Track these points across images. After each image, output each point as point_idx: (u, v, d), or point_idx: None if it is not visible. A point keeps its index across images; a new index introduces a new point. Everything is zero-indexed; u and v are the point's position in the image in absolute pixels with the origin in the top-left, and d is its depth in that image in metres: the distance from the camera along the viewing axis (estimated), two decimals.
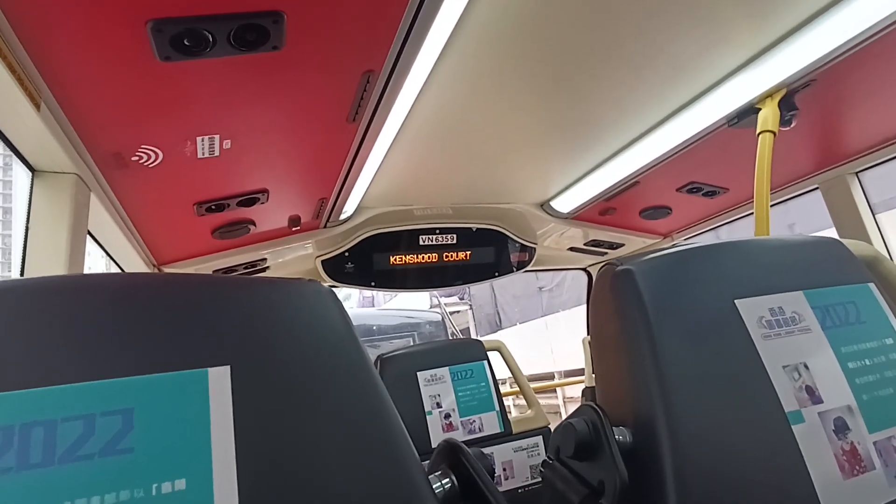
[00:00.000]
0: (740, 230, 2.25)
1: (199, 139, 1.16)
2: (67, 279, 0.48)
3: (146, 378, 0.43)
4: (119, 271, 1.68)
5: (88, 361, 0.42)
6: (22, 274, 1.02)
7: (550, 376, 9.18)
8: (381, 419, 0.51)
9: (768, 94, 1.31)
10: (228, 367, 0.46)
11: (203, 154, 1.22)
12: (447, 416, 1.84)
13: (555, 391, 8.45)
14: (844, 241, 0.77)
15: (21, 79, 0.81)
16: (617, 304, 0.66)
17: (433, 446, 0.65)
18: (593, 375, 0.77)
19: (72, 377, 0.41)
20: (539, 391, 7.26)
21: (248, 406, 0.45)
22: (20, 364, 0.40)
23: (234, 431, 0.43)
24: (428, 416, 1.82)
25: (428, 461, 0.64)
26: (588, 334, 2.60)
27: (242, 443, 0.43)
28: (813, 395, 0.61)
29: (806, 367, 0.62)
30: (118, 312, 0.46)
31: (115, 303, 0.46)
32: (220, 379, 0.45)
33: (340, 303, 0.56)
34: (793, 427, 0.58)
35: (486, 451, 1.85)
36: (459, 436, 1.83)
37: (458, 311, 12.71)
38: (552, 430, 1.84)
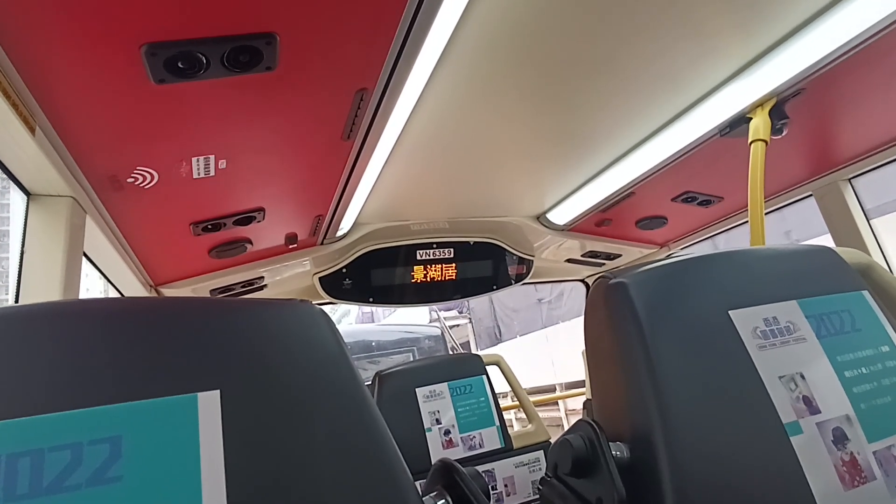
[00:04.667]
0: (738, 238, 2.26)
1: (194, 160, 1.17)
2: (55, 306, 0.48)
3: (135, 404, 0.42)
4: (116, 293, 1.68)
5: (76, 389, 0.42)
6: (17, 297, 1.02)
7: (552, 388, 9.12)
8: (374, 439, 0.50)
9: (759, 104, 1.32)
10: (218, 392, 0.45)
11: (198, 174, 1.23)
12: (447, 432, 1.83)
13: (557, 403, 8.38)
14: (837, 248, 0.77)
15: (16, 103, 0.82)
16: (611, 317, 0.66)
17: (433, 463, 0.64)
18: None
19: (59, 405, 0.40)
20: (540, 404, 7.20)
21: (239, 429, 0.44)
22: (7, 393, 0.40)
23: (224, 456, 0.43)
24: (427, 433, 1.80)
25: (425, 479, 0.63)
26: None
27: (232, 467, 0.42)
28: (810, 406, 0.60)
29: (802, 377, 0.62)
30: (107, 338, 0.45)
31: (103, 329, 0.46)
32: (209, 403, 0.44)
33: (332, 322, 0.56)
34: (791, 438, 0.58)
35: (487, 466, 1.83)
36: (459, 452, 1.81)
37: (457, 325, 12.66)
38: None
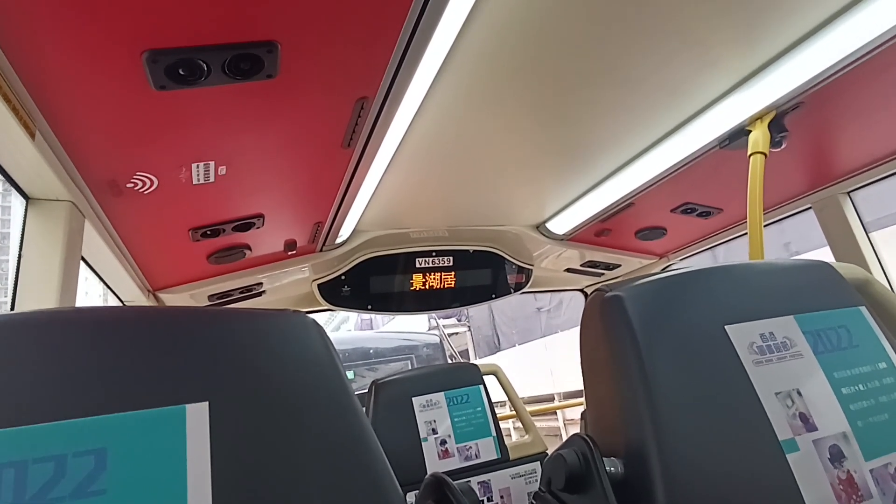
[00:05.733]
0: (737, 249, 2.26)
1: (194, 165, 1.17)
2: (42, 314, 0.47)
3: (121, 416, 0.42)
4: (114, 298, 1.67)
5: (61, 399, 0.41)
6: (13, 300, 1.02)
7: (550, 398, 9.08)
8: (364, 451, 0.50)
9: (758, 117, 1.33)
10: (207, 403, 0.45)
11: (198, 180, 1.23)
12: (443, 442, 1.81)
13: (555, 413, 8.34)
14: (835, 264, 0.76)
15: (16, 108, 0.82)
16: (606, 330, 0.65)
17: (425, 477, 0.64)
18: None
19: (44, 416, 0.40)
20: (538, 413, 7.17)
21: (227, 442, 0.44)
22: None
23: (212, 469, 0.42)
24: (423, 443, 1.78)
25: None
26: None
27: (219, 480, 0.42)
28: (807, 423, 0.60)
29: (799, 393, 0.61)
30: (95, 348, 0.45)
31: (91, 339, 0.45)
32: (197, 415, 0.44)
33: (325, 333, 0.55)
34: (787, 456, 0.57)
35: (483, 477, 1.81)
36: (455, 462, 1.79)
37: (456, 333, 12.64)
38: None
